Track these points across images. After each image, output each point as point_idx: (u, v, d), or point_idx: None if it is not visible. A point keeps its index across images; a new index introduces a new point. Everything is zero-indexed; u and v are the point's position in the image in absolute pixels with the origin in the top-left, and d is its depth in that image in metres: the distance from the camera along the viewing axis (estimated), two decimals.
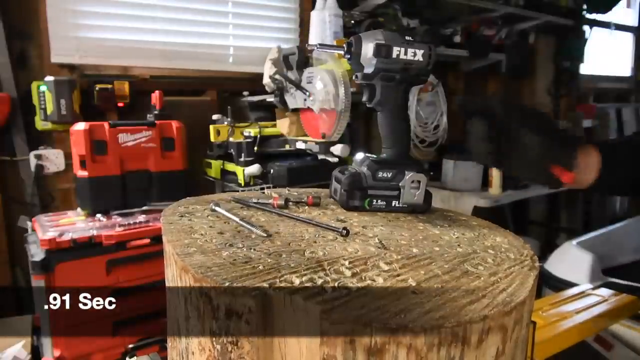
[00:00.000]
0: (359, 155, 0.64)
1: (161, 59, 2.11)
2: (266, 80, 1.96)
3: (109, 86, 1.90)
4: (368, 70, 0.59)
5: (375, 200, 0.62)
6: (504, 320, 0.38)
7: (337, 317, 0.36)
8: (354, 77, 0.62)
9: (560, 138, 0.62)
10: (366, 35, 0.58)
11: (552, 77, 3.70)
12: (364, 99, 0.62)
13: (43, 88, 1.77)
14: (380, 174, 0.61)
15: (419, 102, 2.76)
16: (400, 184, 0.61)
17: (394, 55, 0.57)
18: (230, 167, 1.90)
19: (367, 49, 0.57)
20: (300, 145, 1.84)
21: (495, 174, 2.62)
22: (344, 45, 0.59)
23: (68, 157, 1.87)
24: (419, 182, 0.61)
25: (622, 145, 0.69)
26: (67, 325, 1.47)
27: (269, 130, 1.93)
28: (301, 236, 0.56)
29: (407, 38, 0.58)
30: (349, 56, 0.59)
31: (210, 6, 2.22)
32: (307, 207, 0.71)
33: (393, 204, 0.62)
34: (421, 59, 0.59)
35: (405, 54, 0.58)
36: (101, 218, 1.66)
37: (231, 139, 1.88)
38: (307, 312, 0.38)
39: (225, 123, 1.92)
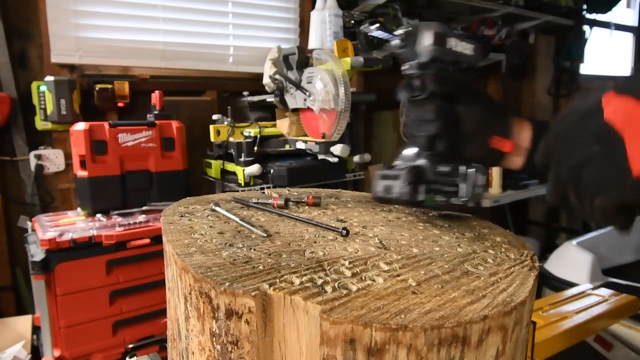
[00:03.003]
0: (411, 150, 0.60)
1: (161, 59, 2.11)
2: (266, 80, 1.96)
3: (109, 86, 1.91)
4: (422, 59, 0.57)
5: (436, 195, 0.57)
6: (504, 320, 0.38)
7: (337, 317, 0.36)
8: (403, 67, 0.59)
9: (495, 107, 0.60)
10: (423, 24, 0.58)
11: (552, 77, 3.70)
12: (407, 91, 0.60)
13: (43, 88, 1.77)
14: (440, 168, 0.57)
15: None
16: (458, 179, 0.57)
17: (449, 46, 0.57)
18: (230, 167, 1.90)
19: (425, 37, 0.57)
20: (300, 145, 1.84)
21: (495, 174, 2.62)
22: (402, 32, 0.58)
23: (68, 157, 1.87)
24: (480, 177, 0.57)
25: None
26: (67, 325, 1.47)
27: (269, 130, 1.93)
28: (301, 236, 0.56)
29: (458, 32, 0.58)
30: (404, 43, 0.58)
31: (210, 6, 2.22)
32: (307, 207, 0.71)
33: (451, 200, 0.58)
34: (472, 53, 0.59)
35: (457, 46, 0.58)
36: (101, 218, 1.66)
37: (231, 139, 1.88)
38: (307, 312, 0.38)
39: (225, 123, 1.92)
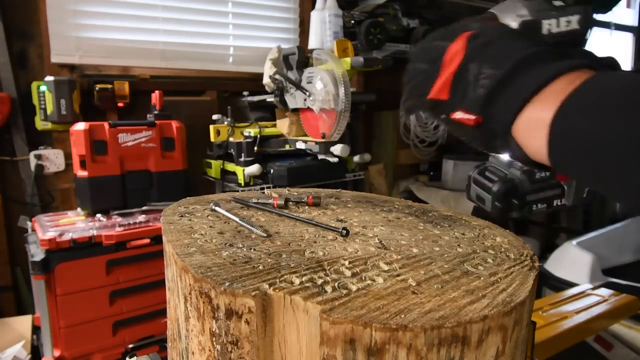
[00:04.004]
0: (505, 156, 0.53)
1: (161, 59, 2.11)
2: (266, 80, 1.96)
3: (109, 86, 1.91)
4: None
5: (535, 205, 0.53)
6: (504, 320, 0.38)
7: (337, 317, 0.36)
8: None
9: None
10: (502, 9, 0.47)
11: None
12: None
13: (43, 88, 1.77)
14: (538, 175, 0.53)
15: None
16: (563, 184, 0.52)
17: (545, 31, 0.44)
18: (230, 167, 1.90)
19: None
20: (300, 145, 1.84)
21: None
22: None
23: (68, 157, 1.87)
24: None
25: None
26: (67, 325, 1.47)
27: (269, 130, 1.93)
28: (301, 236, 0.56)
29: (557, 3, 0.45)
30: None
31: (210, 6, 2.22)
32: (307, 207, 0.71)
33: (555, 204, 0.53)
34: (577, 26, 0.44)
35: (558, 25, 0.44)
36: (101, 218, 1.66)
37: (231, 139, 1.88)
38: (307, 312, 0.38)
39: (225, 123, 1.92)
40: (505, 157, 0.53)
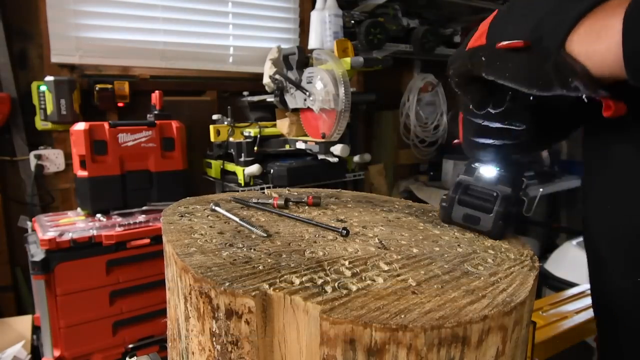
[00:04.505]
0: (489, 172, 0.51)
1: (161, 59, 2.11)
2: (266, 80, 1.96)
3: (109, 86, 1.91)
4: None
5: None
6: (504, 321, 0.38)
7: (337, 317, 0.36)
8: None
9: None
10: None
11: None
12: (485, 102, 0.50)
13: (43, 88, 1.77)
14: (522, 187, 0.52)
15: (419, 102, 2.76)
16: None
17: None
18: (230, 167, 1.90)
19: None
20: (300, 145, 1.84)
21: None
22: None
23: (68, 157, 1.87)
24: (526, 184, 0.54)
25: None
26: (67, 325, 1.47)
27: (269, 130, 1.93)
28: (301, 236, 0.56)
29: None
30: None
31: (210, 6, 2.22)
32: (307, 207, 0.71)
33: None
34: None
35: None
36: (101, 218, 1.66)
37: (231, 139, 1.88)
38: (307, 312, 0.38)
39: (225, 123, 1.92)
40: (490, 174, 0.52)
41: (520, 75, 0.38)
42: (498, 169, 0.52)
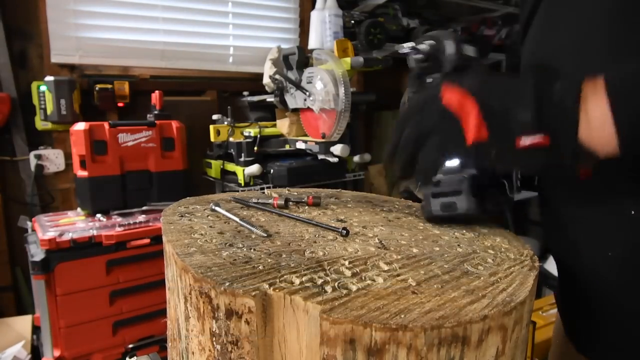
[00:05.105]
0: (453, 162, 0.56)
1: (161, 59, 2.11)
2: (266, 80, 1.96)
3: (109, 86, 1.91)
4: (447, 68, 0.58)
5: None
6: (504, 320, 0.38)
7: (337, 317, 0.36)
8: (428, 80, 0.60)
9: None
10: (441, 35, 0.58)
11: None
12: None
13: (43, 88, 1.77)
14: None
15: None
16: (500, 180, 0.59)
17: (464, 52, 0.59)
18: (230, 167, 1.90)
19: (448, 47, 0.57)
20: (300, 145, 1.84)
21: None
22: (425, 46, 0.58)
23: (68, 157, 1.87)
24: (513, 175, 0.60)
25: None
26: (67, 325, 1.47)
27: (269, 130, 1.93)
28: (301, 236, 0.56)
29: (462, 37, 0.61)
30: (426, 56, 0.58)
31: (210, 6, 2.22)
32: (307, 207, 0.71)
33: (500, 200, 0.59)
34: (475, 54, 0.61)
35: (467, 51, 0.59)
36: (101, 218, 1.66)
37: (231, 139, 1.88)
38: (307, 312, 0.38)
39: (225, 123, 1.92)
40: (454, 162, 0.55)
41: (537, 167, 0.43)
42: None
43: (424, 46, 0.58)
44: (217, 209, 0.67)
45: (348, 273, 0.44)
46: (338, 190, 0.87)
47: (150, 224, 1.62)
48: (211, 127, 1.89)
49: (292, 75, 1.87)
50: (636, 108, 0.39)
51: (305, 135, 1.89)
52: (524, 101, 0.41)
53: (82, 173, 1.66)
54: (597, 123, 0.39)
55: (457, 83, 0.44)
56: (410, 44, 0.62)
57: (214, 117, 1.96)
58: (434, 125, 0.44)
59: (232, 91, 2.26)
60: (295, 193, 0.79)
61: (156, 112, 1.88)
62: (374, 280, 0.43)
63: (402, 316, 0.37)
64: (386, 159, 0.48)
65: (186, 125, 1.91)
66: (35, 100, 1.80)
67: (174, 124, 1.83)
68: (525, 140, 0.40)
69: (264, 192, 0.81)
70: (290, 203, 0.71)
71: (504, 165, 0.43)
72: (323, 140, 1.75)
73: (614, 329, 0.51)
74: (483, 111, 0.42)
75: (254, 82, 2.25)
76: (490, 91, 0.43)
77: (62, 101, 1.76)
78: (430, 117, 0.45)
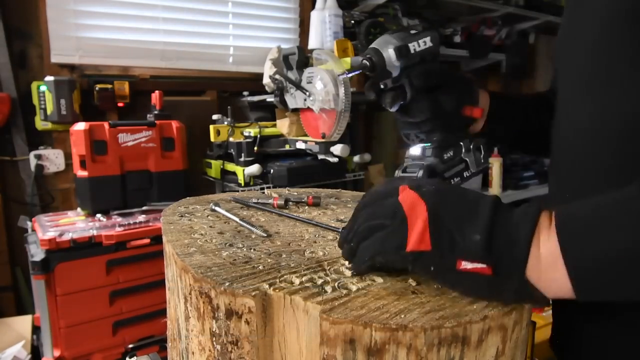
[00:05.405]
0: (416, 150, 0.65)
1: (161, 59, 2.11)
2: (266, 80, 1.96)
3: (109, 86, 1.90)
4: (395, 73, 0.61)
5: (452, 180, 0.64)
6: (504, 320, 0.38)
7: (337, 317, 0.36)
8: (382, 85, 0.63)
9: (463, 79, 0.66)
10: (379, 44, 0.60)
11: (552, 77, 3.70)
12: (392, 102, 0.63)
13: (43, 88, 1.77)
14: (446, 156, 0.63)
15: None
16: (464, 157, 0.64)
17: (413, 50, 0.60)
18: (230, 167, 1.90)
19: (389, 55, 0.59)
20: (300, 145, 1.84)
21: (495, 174, 2.62)
22: (364, 63, 0.61)
23: (68, 157, 1.87)
24: (479, 146, 0.65)
25: (513, 96, 0.76)
26: (67, 325, 1.47)
27: (269, 130, 1.93)
28: (301, 236, 0.56)
29: (413, 31, 0.61)
30: (372, 67, 0.61)
31: (210, 6, 2.22)
32: (307, 207, 0.71)
33: (465, 175, 0.65)
34: (432, 43, 0.61)
35: (419, 45, 0.60)
36: (101, 218, 1.66)
37: (231, 139, 1.88)
38: (307, 312, 0.38)
39: (225, 123, 1.92)
40: (417, 150, 0.65)
41: (476, 292, 0.39)
42: (426, 145, 0.65)
43: (361, 60, 0.61)
44: (217, 209, 0.67)
45: (348, 273, 0.44)
46: (338, 190, 0.87)
47: (150, 224, 1.62)
48: (211, 127, 1.89)
49: (292, 75, 1.87)
50: (596, 252, 0.35)
51: (305, 135, 1.89)
52: (475, 222, 0.38)
53: (82, 173, 1.66)
54: (547, 263, 0.36)
55: (415, 185, 0.42)
56: (345, 71, 0.66)
57: (214, 117, 1.95)
58: (383, 222, 0.42)
59: (232, 91, 2.26)
60: (295, 193, 0.79)
61: (156, 112, 1.88)
62: (373, 280, 0.43)
63: (402, 316, 0.37)
64: (339, 241, 0.46)
65: (186, 125, 1.91)
66: (35, 100, 1.80)
67: (174, 124, 1.83)
68: (467, 265, 0.38)
69: (264, 192, 0.81)
70: (290, 203, 0.71)
71: (442, 283, 0.40)
72: (323, 140, 1.75)
73: None
74: (431, 221, 0.39)
75: (254, 82, 2.25)
76: (445, 203, 0.40)
77: (62, 101, 1.76)
78: (382, 211, 0.42)
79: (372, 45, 0.61)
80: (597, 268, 0.35)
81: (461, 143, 0.64)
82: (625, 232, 0.34)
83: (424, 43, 0.61)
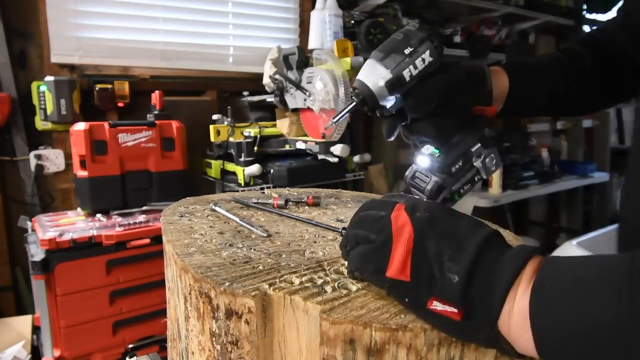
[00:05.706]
0: (423, 161, 0.58)
1: (161, 59, 2.11)
2: (266, 80, 1.96)
3: (109, 86, 1.90)
4: (390, 104, 0.54)
5: (462, 189, 0.58)
6: None
7: (337, 317, 0.36)
8: (378, 114, 0.57)
9: (473, 75, 0.60)
10: (366, 75, 0.52)
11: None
12: (389, 132, 0.59)
13: (43, 88, 1.77)
14: (454, 169, 0.57)
15: None
16: (475, 164, 0.58)
17: (407, 79, 0.51)
18: (230, 167, 1.90)
19: (380, 91, 0.51)
20: (300, 145, 1.84)
21: (495, 174, 2.62)
22: (353, 99, 0.54)
23: (68, 157, 1.87)
24: (489, 153, 0.58)
25: (531, 65, 0.69)
26: (67, 325, 1.47)
27: (269, 130, 1.93)
28: (301, 236, 0.56)
29: (407, 51, 0.51)
30: (364, 105, 0.53)
31: (210, 6, 2.22)
32: (307, 207, 0.71)
33: (476, 179, 0.59)
34: (432, 58, 0.51)
35: (416, 67, 0.51)
36: (101, 218, 1.66)
37: (231, 139, 1.88)
38: (307, 312, 0.38)
39: (225, 123, 1.92)
40: (424, 161, 0.58)
41: (447, 331, 0.38)
42: (435, 151, 0.57)
43: (351, 99, 0.55)
44: (217, 209, 0.67)
45: None
46: (338, 190, 0.87)
47: (150, 224, 1.62)
48: (211, 127, 1.89)
49: (292, 75, 1.87)
50: (564, 327, 0.33)
51: (305, 135, 1.89)
52: (458, 262, 0.37)
53: (82, 173, 1.66)
54: (517, 320, 0.35)
55: (411, 206, 0.41)
56: (333, 120, 0.60)
57: (214, 117, 1.96)
58: (368, 234, 0.41)
59: (232, 91, 2.26)
60: (295, 193, 0.79)
61: (156, 112, 1.88)
62: None
63: (402, 316, 0.37)
64: (341, 243, 0.47)
65: (186, 125, 1.91)
66: (35, 100, 1.80)
67: (174, 124, 1.83)
68: (437, 305, 0.36)
69: (264, 192, 0.81)
70: (290, 203, 0.71)
71: (415, 316, 0.39)
72: (323, 140, 1.75)
73: None
74: (415, 252, 0.38)
75: (254, 82, 2.25)
76: (434, 234, 0.39)
77: (62, 101, 1.76)
78: (372, 223, 0.42)
79: (360, 78, 0.52)
80: (563, 343, 0.33)
81: (472, 150, 0.57)
82: (599, 312, 0.32)
83: (422, 62, 0.51)
